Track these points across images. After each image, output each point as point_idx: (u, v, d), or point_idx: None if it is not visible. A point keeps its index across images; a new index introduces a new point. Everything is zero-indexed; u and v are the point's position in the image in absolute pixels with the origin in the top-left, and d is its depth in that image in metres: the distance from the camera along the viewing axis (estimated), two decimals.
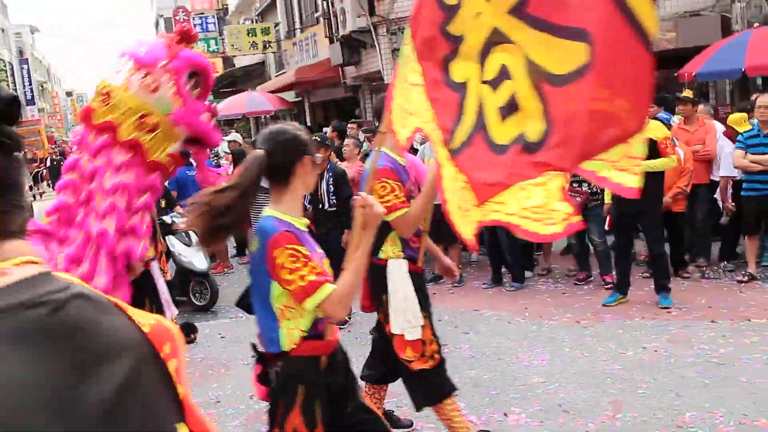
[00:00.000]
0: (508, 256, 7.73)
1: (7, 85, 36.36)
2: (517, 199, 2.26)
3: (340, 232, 6.82)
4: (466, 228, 2.48)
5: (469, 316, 6.82)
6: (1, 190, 0.79)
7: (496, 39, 2.35)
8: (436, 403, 3.76)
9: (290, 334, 2.59)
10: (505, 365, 5.41)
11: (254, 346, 2.77)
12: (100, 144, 2.84)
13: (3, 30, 52.63)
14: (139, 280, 3.42)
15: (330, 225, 6.90)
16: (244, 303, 2.88)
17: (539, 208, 2.18)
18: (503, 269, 7.98)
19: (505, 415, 4.51)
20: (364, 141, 9.10)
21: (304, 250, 2.52)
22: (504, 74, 2.33)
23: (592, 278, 7.66)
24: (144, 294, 3.58)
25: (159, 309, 3.80)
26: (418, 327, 3.68)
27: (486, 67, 2.40)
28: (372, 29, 15.08)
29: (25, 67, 53.44)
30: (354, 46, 16.02)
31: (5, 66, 43.06)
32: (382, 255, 3.72)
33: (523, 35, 2.25)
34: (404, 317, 3.65)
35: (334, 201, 7.02)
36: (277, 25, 23.30)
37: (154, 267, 3.75)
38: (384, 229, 3.43)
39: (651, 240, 6.72)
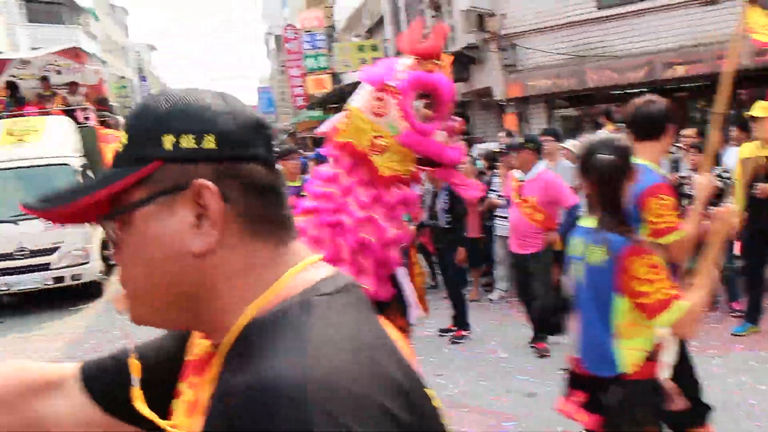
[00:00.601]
0: None
1: (129, 101, 38.39)
2: None
3: (454, 250, 6.94)
4: None
5: None
6: (281, 200, 0.90)
7: None
8: None
9: (632, 354, 2.40)
10: None
11: (572, 372, 2.57)
12: (349, 162, 2.89)
13: (123, 48, 55.64)
14: None
15: (444, 242, 7.06)
16: (555, 324, 2.76)
17: None
18: None
19: None
20: (477, 158, 9.03)
21: (661, 261, 2.36)
22: None
23: (718, 305, 7.28)
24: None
25: (405, 309, 3.95)
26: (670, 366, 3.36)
27: None
28: (482, 45, 15.00)
29: (145, 83, 56.42)
30: (464, 62, 15.97)
31: (127, 83, 45.48)
32: None
33: None
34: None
35: (449, 219, 7.03)
36: (386, 41, 23.57)
37: (399, 271, 3.84)
38: None
39: None
